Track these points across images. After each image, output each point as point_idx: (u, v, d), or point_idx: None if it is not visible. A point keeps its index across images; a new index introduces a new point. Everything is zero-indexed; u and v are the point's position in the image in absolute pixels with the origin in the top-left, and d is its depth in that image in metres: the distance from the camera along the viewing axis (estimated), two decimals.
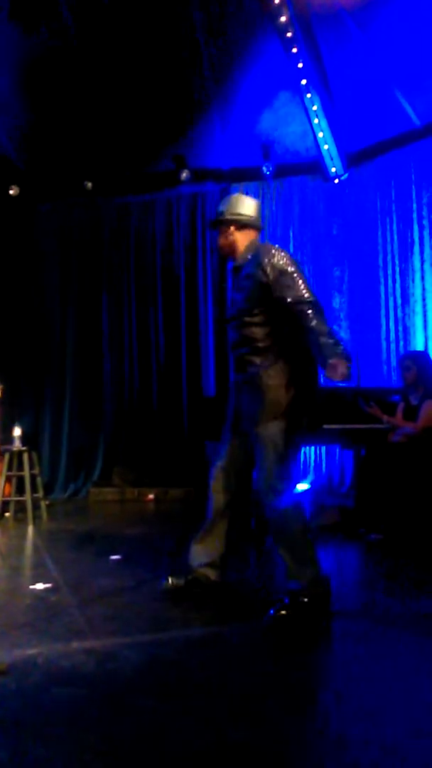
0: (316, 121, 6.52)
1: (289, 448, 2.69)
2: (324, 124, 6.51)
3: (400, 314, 6.36)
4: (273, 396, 2.69)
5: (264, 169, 6.90)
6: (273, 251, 2.78)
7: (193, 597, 2.90)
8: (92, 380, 7.39)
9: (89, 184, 7.20)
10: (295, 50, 6.13)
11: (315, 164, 6.82)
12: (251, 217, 2.96)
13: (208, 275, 7.20)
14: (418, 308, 6.21)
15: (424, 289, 6.16)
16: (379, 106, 6.20)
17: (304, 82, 6.31)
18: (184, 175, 6.93)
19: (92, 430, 7.30)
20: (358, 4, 5.59)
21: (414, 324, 6.25)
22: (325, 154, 6.68)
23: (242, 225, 2.94)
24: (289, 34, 6.04)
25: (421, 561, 3.77)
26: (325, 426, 4.94)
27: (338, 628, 2.60)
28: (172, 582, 2.96)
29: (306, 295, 2.68)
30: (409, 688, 1.97)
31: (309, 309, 2.65)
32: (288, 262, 2.75)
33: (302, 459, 6.72)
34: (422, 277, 6.18)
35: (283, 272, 2.71)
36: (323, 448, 6.66)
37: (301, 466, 6.68)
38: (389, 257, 6.45)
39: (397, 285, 6.38)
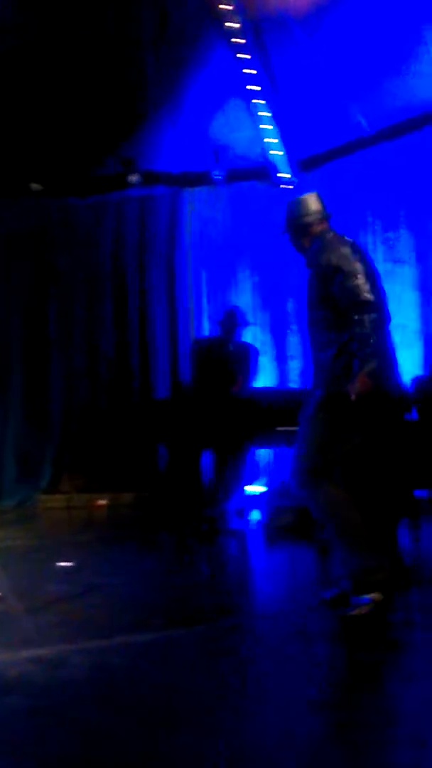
0: (265, 127, 6.57)
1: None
2: (274, 130, 6.56)
3: None
4: None
5: (215, 173, 6.92)
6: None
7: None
8: (39, 385, 7.23)
9: (36, 186, 7.07)
10: (244, 56, 6.17)
11: (265, 170, 6.87)
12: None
13: (161, 278, 7.16)
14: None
15: None
16: (329, 113, 6.29)
17: (253, 88, 6.36)
18: (134, 178, 6.88)
19: (40, 436, 7.13)
20: (306, 13, 5.67)
21: None
22: (275, 160, 6.74)
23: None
24: (238, 41, 6.07)
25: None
26: (279, 428, 4.96)
27: (287, 628, 2.58)
28: None
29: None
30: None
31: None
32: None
33: (258, 462, 6.73)
34: None
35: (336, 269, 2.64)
36: (277, 451, 6.68)
37: (258, 469, 6.69)
38: None
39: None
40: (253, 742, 1.59)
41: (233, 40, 6.12)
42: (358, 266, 2.64)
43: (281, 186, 6.87)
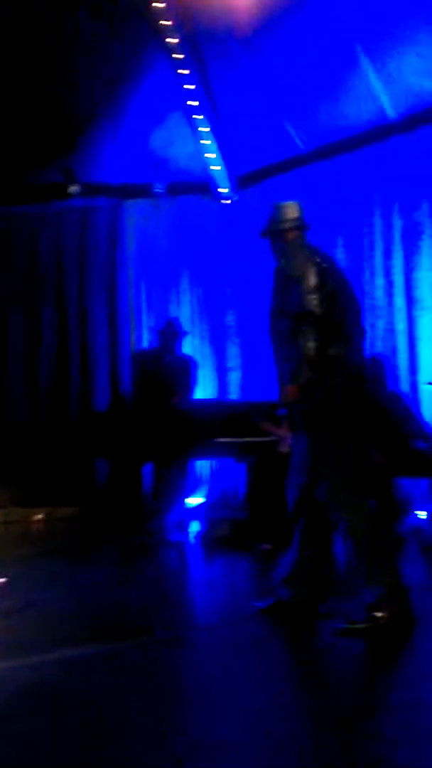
0: (205, 142, 6.65)
1: None
2: (213, 146, 6.65)
3: None
4: None
5: (156, 186, 6.95)
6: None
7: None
8: None
9: None
10: (184, 72, 6.25)
11: (206, 185, 6.96)
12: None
13: (99, 289, 7.12)
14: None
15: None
16: (267, 130, 6.43)
17: (193, 103, 6.44)
18: (75, 188, 6.84)
19: None
20: (245, 31, 5.80)
21: None
22: (214, 175, 6.83)
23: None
24: (178, 56, 6.15)
25: None
26: (219, 440, 5.00)
27: (224, 638, 2.61)
28: None
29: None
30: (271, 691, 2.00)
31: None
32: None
33: (197, 473, 6.74)
34: None
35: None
36: (217, 462, 6.72)
37: (196, 481, 6.71)
38: None
39: None
40: (190, 752, 1.60)
41: (173, 55, 6.20)
42: (315, 279, 2.63)
43: (221, 201, 6.97)
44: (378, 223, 5.87)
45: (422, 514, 4.47)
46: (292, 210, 2.96)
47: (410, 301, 5.61)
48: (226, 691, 2.02)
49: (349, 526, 2.58)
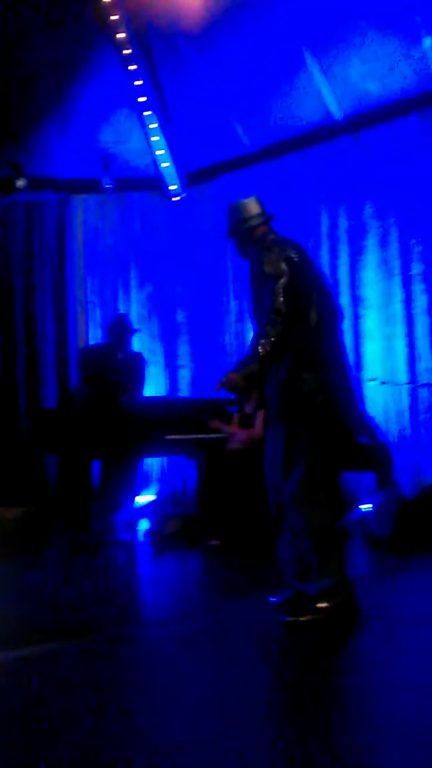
0: (154, 138, 6.64)
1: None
2: (162, 142, 6.64)
3: (239, 329, 6.63)
4: None
5: (105, 182, 6.89)
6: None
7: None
8: None
9: None
10: (132, 68, 6.22)
11: (155, 181, 6.94)
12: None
13: (46, 284, 7.01)
14: (252, 325, 6.51)
15: None
16: (217, 128, 6.46)
17: (142, 99, 6.41)
18: (21, 182, 6.71)
19: None
20: (194, 29, 5.81)
21: (249, 339, 6.54)
22: (163, 171, 6.82)
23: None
24: (126, 51, 6.11)
25: (253, 562, 3.93)
26: (168, 437, 5.01)
27: (173, 633, 2.62)
28: None
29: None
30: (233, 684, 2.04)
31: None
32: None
33: (148, 471, 6.73)
34: None
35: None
36: (167, 459, 6.73)
37: (147, 478, 6.70)
38: (227, 275, 6.71)
39: (235, 302, 6.65)
40: (138, 749, 1.61)
41: (122, 50, 6.16)
42: (286, 277, 2.61)
43: (170, 198, 6.96)
44: (324, 222, 5.97)
45: (366, 507, 4.58)
46: (253, 206, 2.91)
47: (355, 299, 5.73)
48: (175, 687, 2.03)
49: (308, 522, 2.59)
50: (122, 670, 2.22)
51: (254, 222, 2.87)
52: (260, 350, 2.60)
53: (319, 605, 2.56)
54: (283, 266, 2.65)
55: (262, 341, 2.60)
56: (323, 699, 1.87)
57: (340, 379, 2.76)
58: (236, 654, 2.33)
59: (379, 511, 4.31)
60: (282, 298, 2.59)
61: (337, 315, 2.86)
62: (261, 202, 2.94)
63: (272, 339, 2.58)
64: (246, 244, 2.88)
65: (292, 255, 2.72)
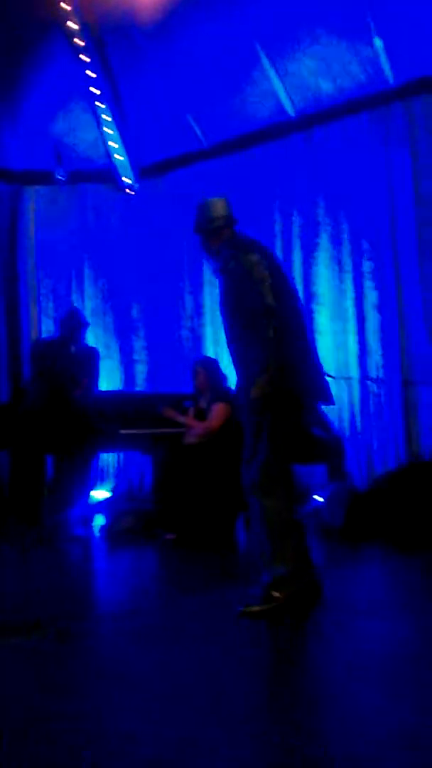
0: (107, 131, 6.58)
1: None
2: (115, 134, 6.59)
3: (194, 324, 6.65)
4: None
5: (58, 173, 6.80)
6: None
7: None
8: None
9: None
10: (85, 58, 6.14)
11: (109, 173, 6.88)
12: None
13: (0, 277, 6.87)
14: (208, 319, 6.54)
15: (213, 302, 6.50)
16: (171, 122, 6.44)
17: (95, 91, 6.34)
18: None
19: None
20: (150, 22, 5.77)
21: (205, 334, 6.56)
22: (117, 164, 6.77)
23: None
24: (78, 42, 6.03)
25: (209, 555, 3.97)
26: (122, 431, 4.99)
27: (125, 627, 2.63)
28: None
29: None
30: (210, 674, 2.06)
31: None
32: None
33: (103, 466, 6.69)
34: (212, 291, 6.52)
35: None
36: (123, 455, 6.70)
37: (102, 473, 6.66)
38: (182, 270, 6.71)
39: (190, 297, 6.66)
40: (91, 743, 1.61)
41: (75, 40, 6.08)
42: (265, 272, 2.70)
43: (125, 191, 6.91)
44: (278, 219, 6.03)
45: (319, 499, 4.68)
46: (221, 207, 2.98)
47: (308, 296, 5.81)
48: (127, 681, 2.03)
49: (267, 510, 2.64)
50: (74, 665, 2.21)
51: (221, 222, 2.94)
52: (273, 347, 2.66)
53: (273, 594, 2.60)
54: (262, 264, 2.74)
55: (270, 337, 2.66)
56: (279, 689, 1.91)
57: (307, 372, 2.83)
58: (191, 647, 2.35)
59: (331, 502, 4.40)
60: (270, 294, 2.68)
61: (301, 313, 2.95)
62: (229, 204, 3.01)
63: (274, 335, 2.67)
64: (213, 244, 2.94)
65: (264, 253, 2.83)
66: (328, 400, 2.90)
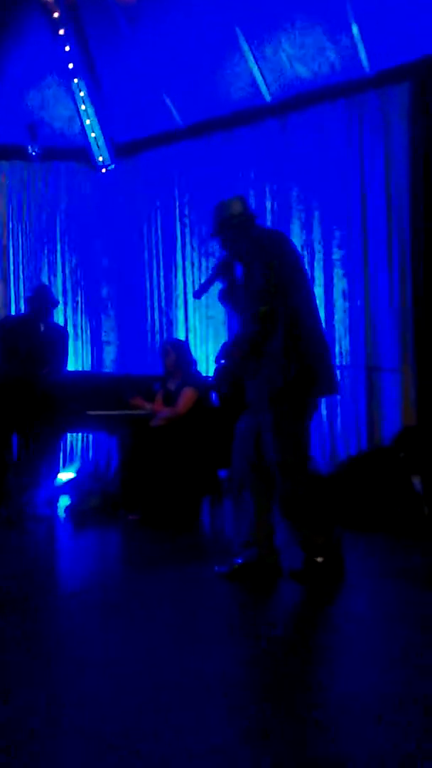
0: (83, 107, 6.49)
1: None
2: (91, 111, 6.51)
3: (164, 307, 6.63)
4: None
5: (30, 149, 6.68)
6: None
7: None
8: None
9: None
10: (62, 32, 6.04)
11: (83, 151, 6.79)
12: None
13: None
14: (180, 302, 6.54)
15: (185, 284, 6.50)
16: (147, 102, 6.38)
17: (71, 66, 6.25)
18: None
19: None
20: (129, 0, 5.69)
21: (177, 317, 6.56)
22: (92, 142, 6.69)
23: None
24: (55, 15, 5.93)
25: (172, 535, 4.00)
26: (89, 412, 4.98)
27: (89, 603, 2.66)
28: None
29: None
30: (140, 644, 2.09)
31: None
32: None
33: (69, 446, 6.67)
34: (183, 273, 6.51)
35: None
36: (90, 435, 6.69)
37: (69, 454, 6.64)
38: (154, 251, 6.68)
39: (162, 279, 6.64)
40: (49, 709, 1.64)
41: (52, 13, 5.97)
42: (275, 260, 2.82)
43: (99, 169, 6.84)
44: (251, 203, 6.02)
45: None
46: (241, 204, 3.08)
47: None
48: (89, 654, 2.06)
49: (296, 490, 2.80)
50: (37, 638, 2.24)
51: (242, 218, 3.03)
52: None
53: (317, 559, 2.77)
54: (273, 253, 2.86)
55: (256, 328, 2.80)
56: (236, 654, 1.96)
57: (320, 366, 2.92)
58: (153, 619, 2.39)
59: None
60: (273, 284, 2.80)
61: (315, 307, 3.04)
62: (246, 201, 3.16)
63: (262, 326, 2.79)
64: (237, 241, 3.00)
65: (283, 242, 2.98)
66: (335, 390, 3.02)
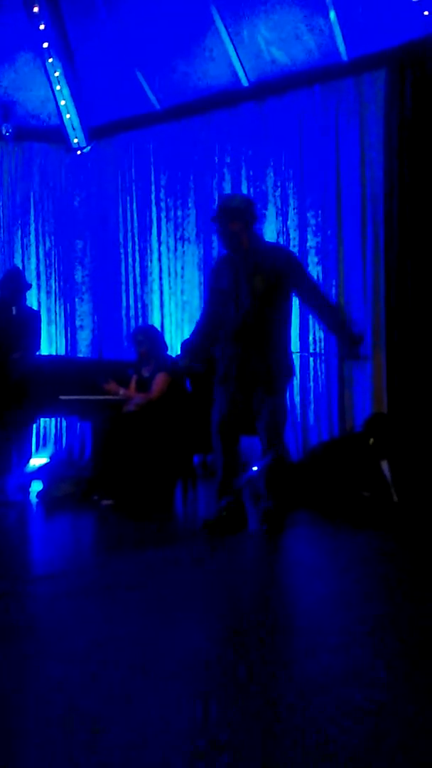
0: (58, 88, 6.39)
1: None
2: (66, 92, 6.42)
3: (139, 291, 6.60)
4: None
5: (2, 129, 6.57)
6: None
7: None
8: None
9: None
10: (36, 10, 5.93)
11: (57, 132, 6.70)
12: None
13: None
14: (155, 287, 6.51)
15: (160, 269, 6.47)
16: (123, 84, 6.31)
17: (45, 45, 6.14)
18: None
19: None
20: None
21: (152, 301, 6.54)
22: (67, 123, 6.60)
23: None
24: None
25: (145, 520, 4.02)
26: (62, 397, 4.95)
27: (61, 587, 2.66)
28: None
29: None
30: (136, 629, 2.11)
31: None
32: None
33: (43, 431, 6.64)
34: (159, 258, 6.48)
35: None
36: (64, 420, 6.66)
37: (41, 439, 6.61)
38: (129, 235, 6.63)
39: (137, 263, 6.60)
40: (20, 691, 1.64)
41: None
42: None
43: (74, 151, 6.76)
44: (226, 188, 6.01)
45: (255, 468, 4.77)
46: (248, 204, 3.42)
47: None
48: (61, 633, 2.07)
49: (279, 456, 3.39)
50: (6, 620, 2.24)
51: (254, 216, 3.38)
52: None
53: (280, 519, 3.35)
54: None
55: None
56: (210, 637, 1.98)
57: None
58: (125, 601, 2.40)
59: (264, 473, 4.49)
60: None
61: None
62: (254, 205, 3.46)
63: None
64: (244, 234, 3.30)
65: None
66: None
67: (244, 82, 5.88)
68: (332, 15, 5.26)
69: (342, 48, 5.39)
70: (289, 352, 3.43)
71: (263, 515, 3.36)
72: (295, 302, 3.48)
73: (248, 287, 3.29)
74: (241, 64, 5.81)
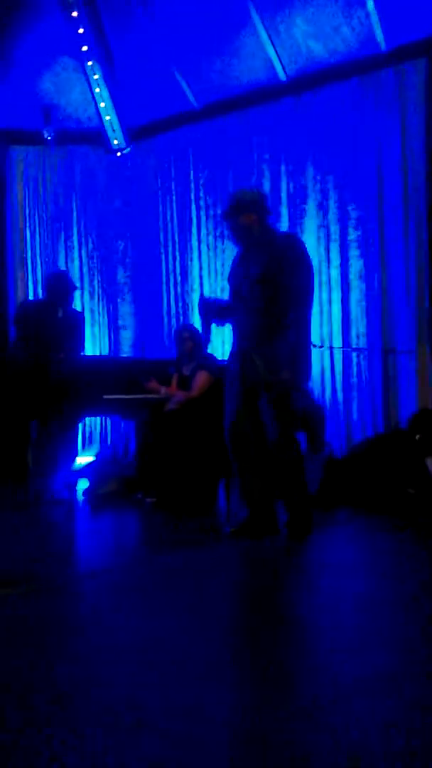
0: (97, 90, 6.47)
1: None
2: (105, 94, 6.48)
3: (179, 290, 6.63)
4: None
5: (45, 133, 6.70)
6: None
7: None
8: None
9: None
10: (75, 14, 6.01)
11: (98, 134, 6.78)
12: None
13: None
14: (196, 286, 6.53)
15: (200, 267, 6.49)
16: (161, 83, 6.34)
17: (85, 48, 6.21)
18: None
19: None
20: None
21: (192, 301, 6.56)
22: (107, 125, 6.67)
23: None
24: None
25: (188, 518, 4.05)
26: (105, 396, 5.03)
27: (107, 583, 2.71)
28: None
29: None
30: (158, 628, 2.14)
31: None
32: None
33: (88, 431, 6.75)
34: (199, 257, 6.50)
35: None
36: (108, 420, 6.75)
37: (86, 438, 6.72)
38: (169, 235, 6.67)
39: (177, 262, 6.63)
40: (76, 690, 1.68)
41: None
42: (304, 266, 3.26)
43: (116, 153, 6.83)
44: (266, 184, 5.98)
45: None
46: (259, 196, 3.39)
47: None
48: (104, 634, 2.10)
49: (294, 461, 3.29)
50: (54, 616, 2.29)
51: (258, 209, 3.28)
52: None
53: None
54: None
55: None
56: (260, 643, 1.99)
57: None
58: (169, 599, 2.43)
59: (308, 470, 4.47)
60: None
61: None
62: (265, 197, 3.42)
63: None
64: (255, 227, 3.24)
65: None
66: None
67: (282, 77, 5.84)
68: (370, 4, 5.17)
69: (381, 38, 5.30)
70: (308, 352, 3.22)
71: (285, 525, 3.28)
72: (317, 294, 3.46)
73: (250, 282, 3.18)
74: (279, 58, 5.77)
